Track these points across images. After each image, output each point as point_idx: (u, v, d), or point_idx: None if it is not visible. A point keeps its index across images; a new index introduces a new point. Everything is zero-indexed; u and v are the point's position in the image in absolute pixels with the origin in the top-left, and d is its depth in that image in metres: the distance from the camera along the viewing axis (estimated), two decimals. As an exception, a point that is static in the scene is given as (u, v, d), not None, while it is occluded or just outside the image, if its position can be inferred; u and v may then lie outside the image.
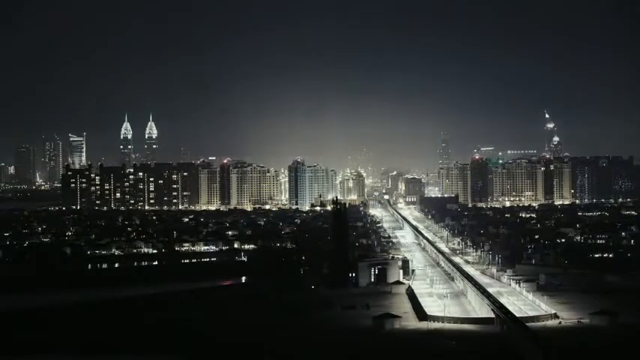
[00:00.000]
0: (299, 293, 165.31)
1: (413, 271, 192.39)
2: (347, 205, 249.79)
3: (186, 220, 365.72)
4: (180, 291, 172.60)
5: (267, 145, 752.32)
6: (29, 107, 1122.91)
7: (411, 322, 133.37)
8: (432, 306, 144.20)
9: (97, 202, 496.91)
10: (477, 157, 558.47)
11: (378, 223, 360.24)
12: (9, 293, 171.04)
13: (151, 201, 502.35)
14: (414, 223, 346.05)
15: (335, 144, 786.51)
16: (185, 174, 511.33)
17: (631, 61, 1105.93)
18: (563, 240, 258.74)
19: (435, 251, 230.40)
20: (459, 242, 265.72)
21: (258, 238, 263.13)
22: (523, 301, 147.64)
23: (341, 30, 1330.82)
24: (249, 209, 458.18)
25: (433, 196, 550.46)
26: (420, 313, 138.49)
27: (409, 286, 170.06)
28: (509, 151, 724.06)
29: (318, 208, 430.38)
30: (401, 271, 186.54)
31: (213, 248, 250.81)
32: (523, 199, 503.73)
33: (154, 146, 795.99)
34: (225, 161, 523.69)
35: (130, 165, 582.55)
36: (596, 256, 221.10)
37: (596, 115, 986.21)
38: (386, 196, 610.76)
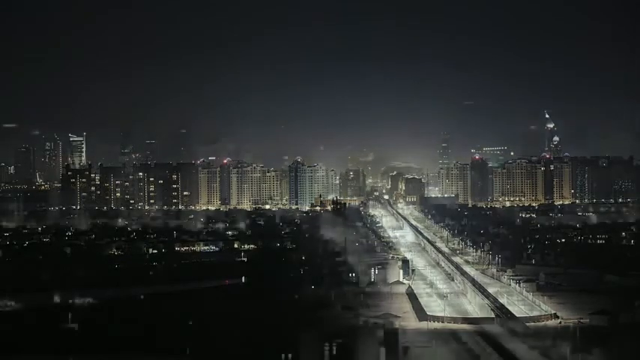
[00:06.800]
0: (299, 293, 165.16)
1: (413, 271, 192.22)
2: (347, 205, 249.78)
3: (186, 220, 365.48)
4: (180, 291, 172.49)
5: (268, 145, 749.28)
6: (29, 107, 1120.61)
7: (411, 322, 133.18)
8: (432, 306, 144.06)
9: (97, 202, 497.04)
10: (477, 157, 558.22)
11: (378, 223, 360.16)
12: (8, 293, 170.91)
13: (151, 201, 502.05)
14: (414, 223, 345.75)
15: (335, 144, 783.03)
16: (185, 174, 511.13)
17: (632, 61, 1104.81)
18: (563, 240, 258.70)
19: (435, 251, 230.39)
20: (458, 242, 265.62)
21: (258, 238, 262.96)
22: (523, 301, 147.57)
23: (341, 31, 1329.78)
24: (249, 209, 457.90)
25: (433, 196, 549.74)
26: (420, 313, 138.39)
27: (409, 286, 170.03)
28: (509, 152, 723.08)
29: (318, 208, 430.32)
30: (401, 271, 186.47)
31: (213, 248, 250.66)
32: (523, 199, 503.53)
33: (154, 146, 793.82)
34: (225, 161, 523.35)
35: (130, 165, 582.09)
36: (596, 256, 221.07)
37: (597, 115, 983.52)
38: (386, 196, 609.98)
